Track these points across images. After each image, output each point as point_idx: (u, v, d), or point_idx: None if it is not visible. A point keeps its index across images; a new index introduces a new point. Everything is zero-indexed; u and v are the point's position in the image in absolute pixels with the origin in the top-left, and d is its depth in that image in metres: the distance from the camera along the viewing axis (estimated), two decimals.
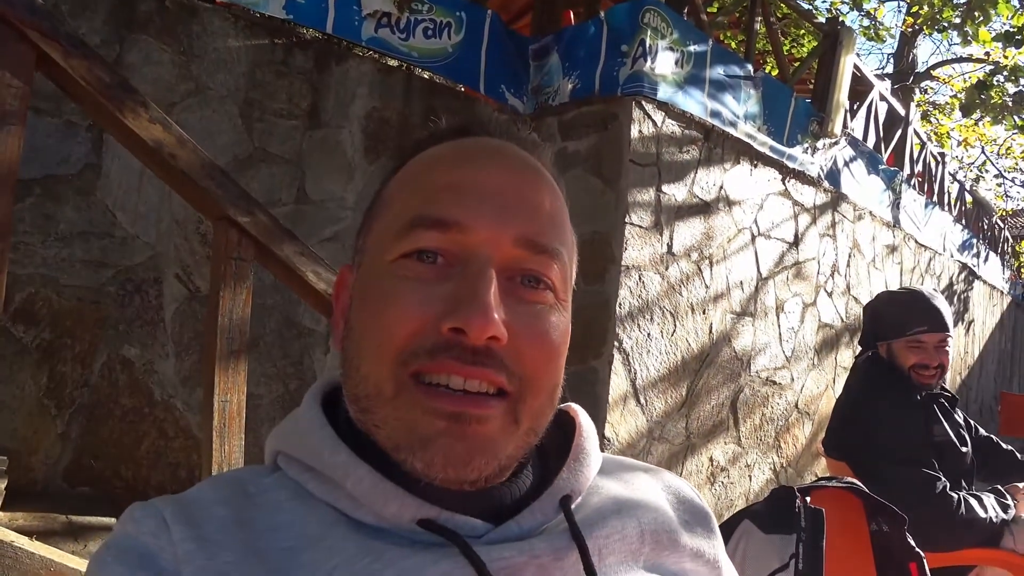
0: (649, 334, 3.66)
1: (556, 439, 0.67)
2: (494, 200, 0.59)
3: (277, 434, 0.66)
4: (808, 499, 1.52)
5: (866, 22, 10.60)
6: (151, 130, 1.35)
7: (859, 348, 2.54)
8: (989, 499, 2.15)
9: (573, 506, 0.62)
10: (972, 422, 2.50)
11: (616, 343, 3.49)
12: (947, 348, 2.31)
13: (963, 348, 8.53)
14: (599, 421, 3.43)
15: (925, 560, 1.71)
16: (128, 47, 3.01)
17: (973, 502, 2.10)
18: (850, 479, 1.79)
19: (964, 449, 2.26)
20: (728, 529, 1.49)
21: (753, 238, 4.37)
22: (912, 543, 1.70)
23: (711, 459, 4.07)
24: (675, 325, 3.81)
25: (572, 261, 0.66)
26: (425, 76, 3.93)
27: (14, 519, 2.40)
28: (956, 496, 2.09)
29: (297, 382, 3.38)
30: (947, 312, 2.35)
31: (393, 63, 3.80)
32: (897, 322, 2.34)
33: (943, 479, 2.11)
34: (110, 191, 2.98)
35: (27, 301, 2.82)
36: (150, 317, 3.07)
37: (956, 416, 2.36)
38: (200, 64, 3.19)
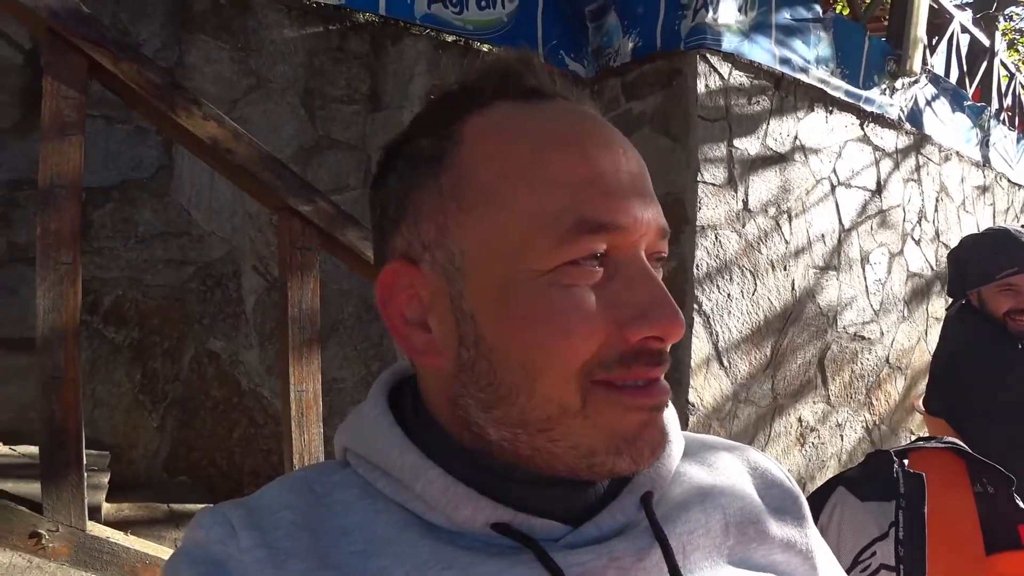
0: (729, 294, 3.57)
1: None
2: (635, 191, 0.55)
3: (345, 430, 0.63)
4: (906, 462, 1.44)
5: None
6: (206, 127, 1.35)
7: (949, 299, 2.41)
8: None
9: (654, 501, 0.58)
10: None
11: (696, 306, 3.41)
12: None
13: None
14: (682, 386, 3.37)
15: None
16: (187, 48, 3.06)
17: None
18: (951, 439, 1.70)
19: None
20: (822, 497, 1.43)
21: (833, 188, 4.20)
22: (1021, 504, 1.61)
23: (800, 419, 3.96)
24: (755, 284, 3.70)
25: None
26: (484, 48, 3.88)
27: (120, 509, 2.51)
28: None
29: (378, 363, 3.43)
30: None
31: (449, 38, 3.77)
32: (984, 267, 2.20)
33: None
34: (183, 191, 3.05)
35: (116, 303, 2.93)
36: (232, 310, 3.15)
37: None
38: (258, 58, 3.23)
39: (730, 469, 0.66)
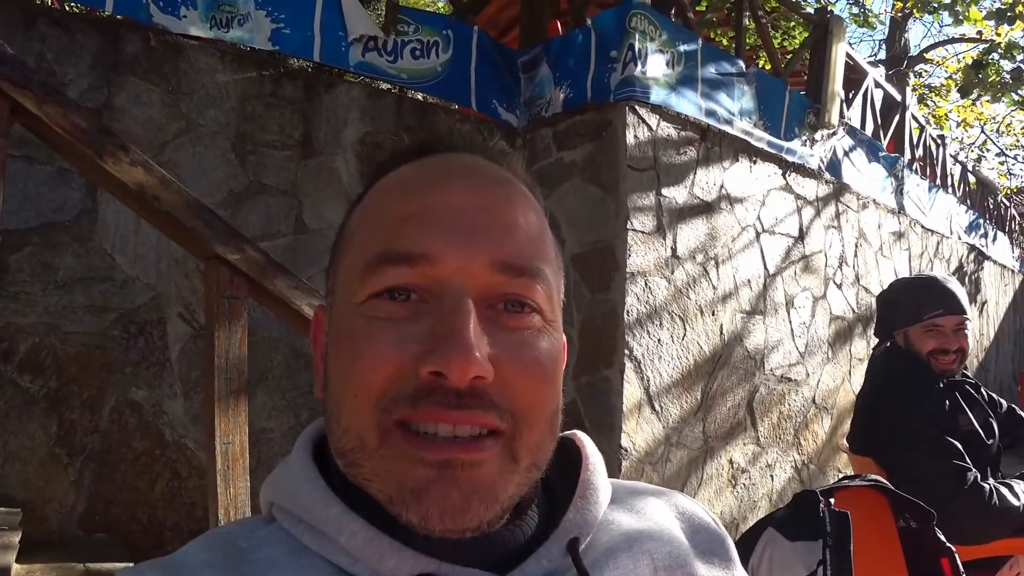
0: (659, 340, 3.62)
1: (561, 471, 0.63)
2: (461, 223, 0.54)
3: (270, 484, 0.62)
4: (832, 501, 1.47)
5: (855, 10, 10.56)
6: (133, 173, 1.33)
7: (875, 340, 2.49)
8: (1020, 486, 2.09)
9: (581, 548, 0.58)
10: (997, 399, 2.44)
11: (627, 351, 3.46)
12: (965, 332, 2.27)
13: (978, 330, 8.45)
14: (615, 431, 3.39)
15: (957, 554, 1.66)
16: (116, 90, 3.01)
17: (1004, 491, 2.05)
18: (873, 476, 1.75)
19: (990, 441, 2.20)
20: (751, 538, 1.45)
21: (758, 235, 4.34)
22: (942, 538, 1.65)
23: (731, 461, 4.02)
24: (685, 329, 3.77)
25: (559, 276, 0.61)
26: (418, 97, 3.91)
27: (31, 571, 2.38)
28: (987, 486, 2.03)
29: (308, 412, 3.36)
30: (963, 295, 2.30)
31: (383, 86, 3.79)
32: (912, 308, 2.30)
33: (973, 470, 2.05)
34: (107, 235, 2.97)
35: (32, 350, 2.81)
36: (156, 358, 3.06)
37: (981, 403, 2.30)
38: (189, 102, 3.19)
39: (658, 514, 0.66)
